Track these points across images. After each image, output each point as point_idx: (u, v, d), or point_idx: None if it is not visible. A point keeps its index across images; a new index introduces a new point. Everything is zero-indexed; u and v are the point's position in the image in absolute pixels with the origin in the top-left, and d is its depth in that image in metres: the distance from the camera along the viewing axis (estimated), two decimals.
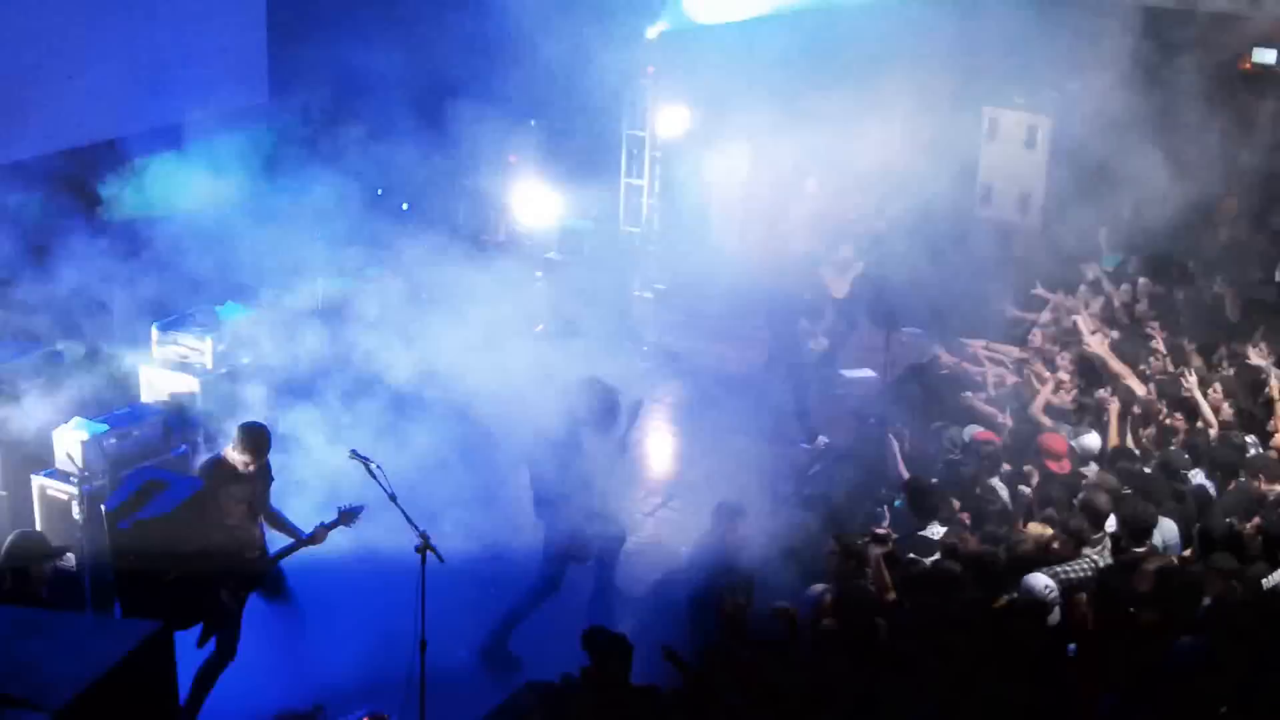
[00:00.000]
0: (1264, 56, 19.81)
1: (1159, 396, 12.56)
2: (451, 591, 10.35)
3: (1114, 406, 12.32)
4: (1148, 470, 11.40)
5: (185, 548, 9.78)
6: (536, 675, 10.63)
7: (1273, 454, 11.62)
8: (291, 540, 10.68)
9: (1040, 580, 9.42)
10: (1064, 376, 13.33)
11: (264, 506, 10.76)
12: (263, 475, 10.73)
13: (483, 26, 14.60)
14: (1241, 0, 18.45)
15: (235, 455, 10.48)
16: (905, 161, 16.42)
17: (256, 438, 10.57)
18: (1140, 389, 12.73)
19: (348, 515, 10.65)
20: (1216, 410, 12.29)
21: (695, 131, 18.38)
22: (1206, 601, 9.17)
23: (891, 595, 9.70)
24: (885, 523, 11.40)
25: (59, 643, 6.66)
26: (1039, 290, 15.77)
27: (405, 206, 15.66)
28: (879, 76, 16.07)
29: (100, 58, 13.82)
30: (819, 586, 9.78)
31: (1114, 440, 12.12)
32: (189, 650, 9.99)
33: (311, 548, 10.65)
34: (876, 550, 10.06)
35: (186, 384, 13.30)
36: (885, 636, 9.13)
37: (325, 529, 10.62)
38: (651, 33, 17.01)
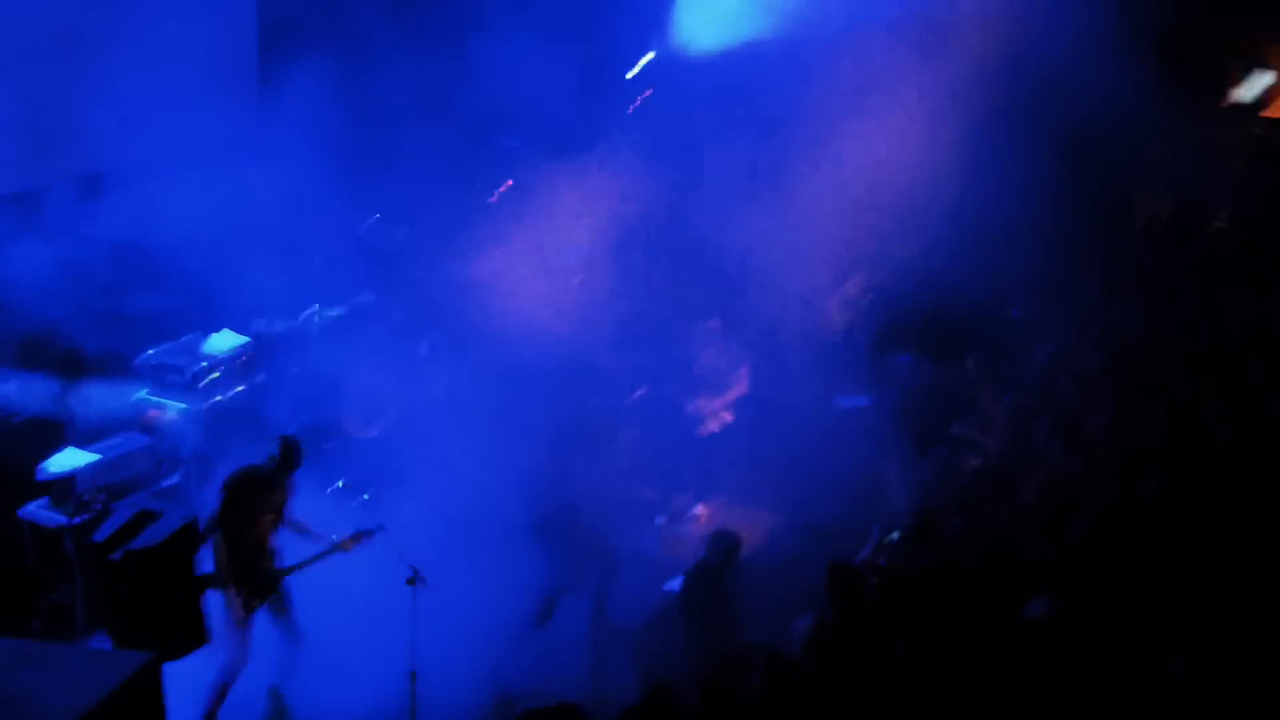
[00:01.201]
0: None
1: None
2: (442, 622, 10.34)
3: None
4: None
5: (176, 578, 9.76)
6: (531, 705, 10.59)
7: None
8: (316, 546, 10.83)
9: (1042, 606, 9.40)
10: None
11: (289, 516, 10.91)
12: (290, 487, 10.89)
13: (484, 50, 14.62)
14: None
15: (268, 467, 10.73)
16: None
17: (292, 452, 10.88)
18: None
19: (363, 535, 10.74)
20: None
21: None
22: None
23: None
24: (874, 542, 11.41)
25: (51, 674, 6.64)
26: None
27: (401, 233, 15.67)
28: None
29: (92, 89, 13.80)
30: (809, 616, 9.73)
31: None
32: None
33: (308, 574, 10.70)
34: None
35: (178, 412, 13.28)
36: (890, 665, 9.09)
37: (351, 541, 10.73)
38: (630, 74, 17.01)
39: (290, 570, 10.74)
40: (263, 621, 10.80)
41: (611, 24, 15.82)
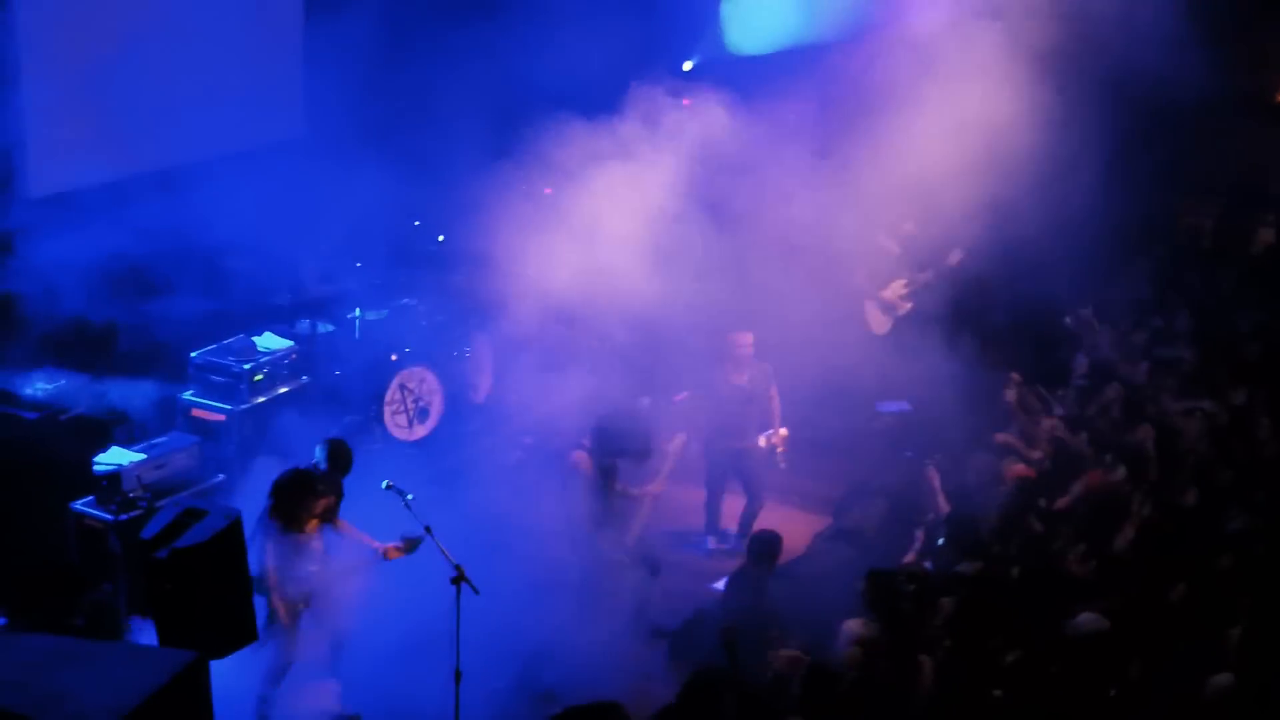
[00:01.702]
0: None
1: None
2: (487, 622, 10.36)
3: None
4: None
5: (222, 578, 9.78)
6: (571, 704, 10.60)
7: None
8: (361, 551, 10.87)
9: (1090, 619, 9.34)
10: None
11: (336, 519, 10.92)
12: (338, 489, 10.94)
13: (527, 54, 14.58)
14: None
15: (317, 471, 10.80)
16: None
17: (342, 455, 10.97)
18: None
19: (410, 543, 10.73)
20: None
21: None
22: None
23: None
24: (917, 548, 11.38)
25: (95, 672, 6.64)
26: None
27: (440, 239, 15.70)
28: None
29: (136, 92, 13.86)
30: (854, 622, 9.71)
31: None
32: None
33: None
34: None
35: (224, 413, 13.36)
36: (929, 676, 9.05)
37: (396, 550, 10.75)
38: (686, 65, 16.97)
39: (340, 573, 10.76)
40: (307, 624, 10.84)
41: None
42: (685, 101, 14.32)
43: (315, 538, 10.67)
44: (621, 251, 13.32)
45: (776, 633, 10.08)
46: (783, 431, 13.97)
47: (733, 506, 14.22)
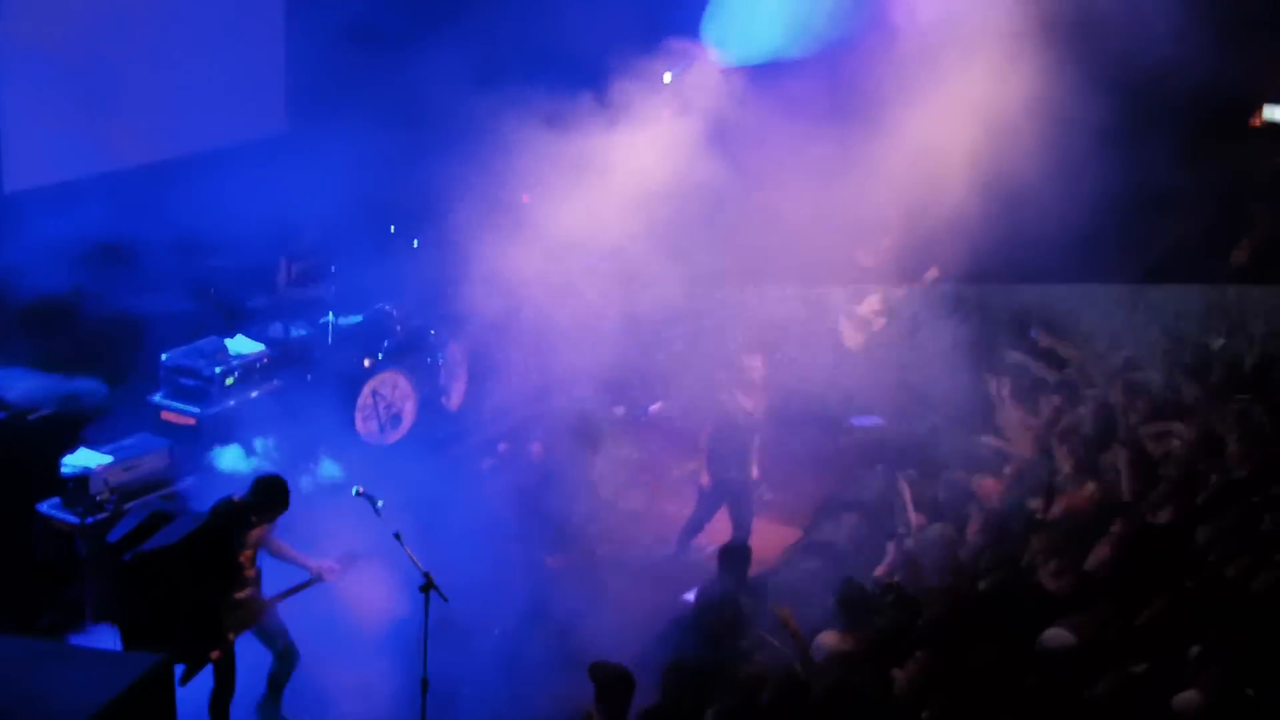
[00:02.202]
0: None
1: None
2: (455, 629, 10.33)
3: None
4: None
5: (188, 581, 9.73)
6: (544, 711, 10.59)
7: None
8: (300, 572, 10.64)
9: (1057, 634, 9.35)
10: None
11: (270, 543, 10.64)
12: (270, 523, 10.59)
13: (509, 58, 14.55)
14: None
15: (248, 506, 10.33)
16: None
17: (275, 494, 10.38)
18: None
19: (347, 561, 10.61)
20: None
21: None
22: None
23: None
24: (889, 561, 11.38)
25: (60, 673, 6.62)
26: None
27: (415, 243, 15.66)
28: None
29: (120, 90, 13.81)
30: (827, 634, 9.69)
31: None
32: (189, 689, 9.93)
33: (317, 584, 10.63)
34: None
35: (194, 416, 13.29)
36: (903, 688, 9.04)
37: (334, 570, 10.59)
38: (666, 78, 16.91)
39: (272, 601, 10.53)
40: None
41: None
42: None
43: (250, 566, 10.48)
44: (593, 258, 13.32)
45: (747, 644, 10.05)
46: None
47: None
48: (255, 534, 10.39)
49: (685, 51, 14.45)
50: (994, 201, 14.45)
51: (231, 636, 10.29)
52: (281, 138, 15.99)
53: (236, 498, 10.37)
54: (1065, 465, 12.57)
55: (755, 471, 13.60)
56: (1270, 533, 10.85)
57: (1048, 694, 8.91)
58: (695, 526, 13.81)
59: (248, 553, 10.36)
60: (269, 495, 10.35)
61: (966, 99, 14.46)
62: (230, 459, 12.68)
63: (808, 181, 14.50)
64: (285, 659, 10.70)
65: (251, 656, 10.57)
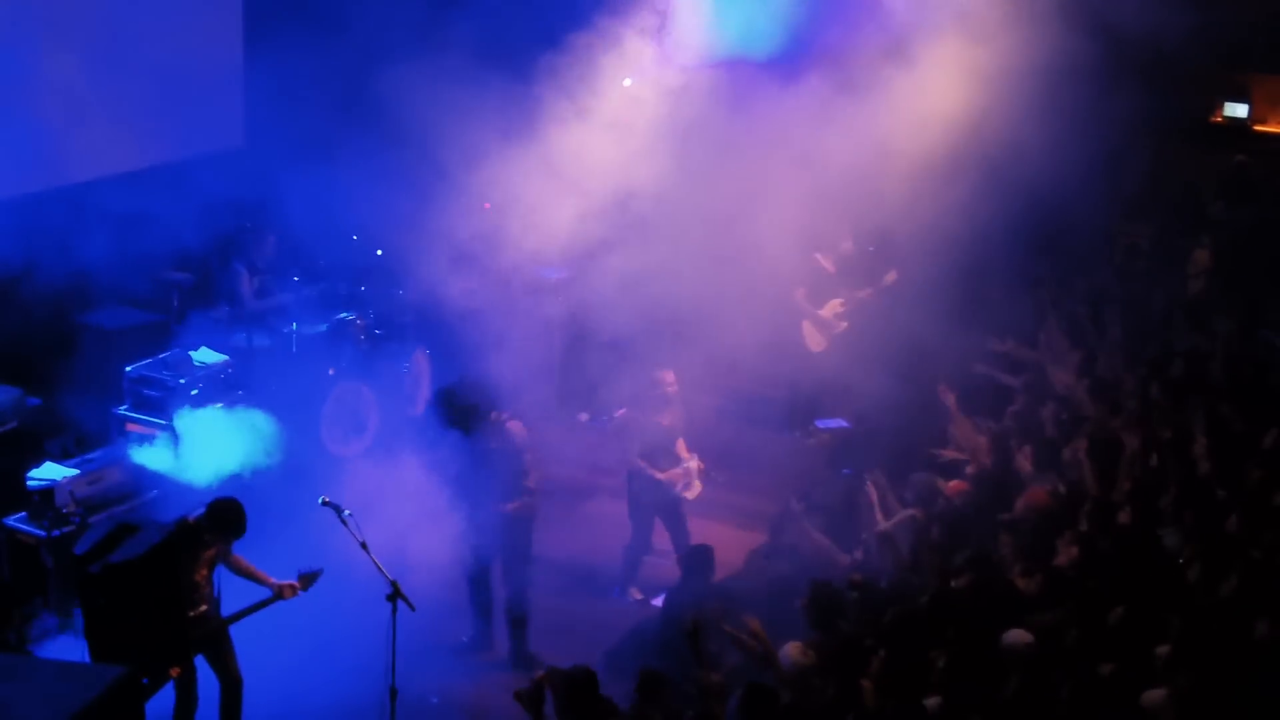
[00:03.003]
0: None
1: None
2: (422, 638, 10.33)
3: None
4: None
5: (155, 593, 9.71)
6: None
7: None
8: (257, 588, 10.61)
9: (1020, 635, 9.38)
10: None
11: (228, 559, 10.61)
12: (225, 544, 10.54)
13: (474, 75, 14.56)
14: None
15: (203, 527, 10.30)
16: None
17: (228, 517, 10.32)
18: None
19: (306, 579, 10.58)
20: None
21: None
22: None
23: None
24: (857, 564, 11.42)
25: (26, 687, 6.61)
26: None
27: (379, 252, 15.64)
28: None
29: (78, 102, 13.77)
30: (792, 645, 9.66)
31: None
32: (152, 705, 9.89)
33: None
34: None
35: (159, 428, 13.26)
36: (870, 698, 9.06)
37: (293, 588, 10.56)
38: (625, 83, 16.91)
39: (230, 620, 10.48)
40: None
41: None
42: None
43: (206, 584, 10.43)
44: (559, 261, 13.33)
45: (716, 648, 10.06)
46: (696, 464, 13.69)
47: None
48: (210, 554, 10.36)
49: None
50: (954, 203, 14.55)
51: (190, 653, 10.25)
52: (241, 150, 15.93)
53: (191, 518, 10.34)
54: (1027, 465, 12.65)
55: (695, 462, 13.58)
56: (1235, 533, 10.95)
57: (1014, 694, 8.97)
58: (637, 553, 13.65)
59: (203, 571, 10.33)
60: (222, 518, 10.31)
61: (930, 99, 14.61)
62: (196, 470, 12.65)
63: (768, 184, 14.59)
64: (231, 689, 10.60)
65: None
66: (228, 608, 10.54)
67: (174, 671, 9.97)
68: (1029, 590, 10.42)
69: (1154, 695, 8.67)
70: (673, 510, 13.45)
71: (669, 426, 13.41)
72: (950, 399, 13.80)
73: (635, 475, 13.37)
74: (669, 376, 13.38)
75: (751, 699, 8.60)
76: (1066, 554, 10.86)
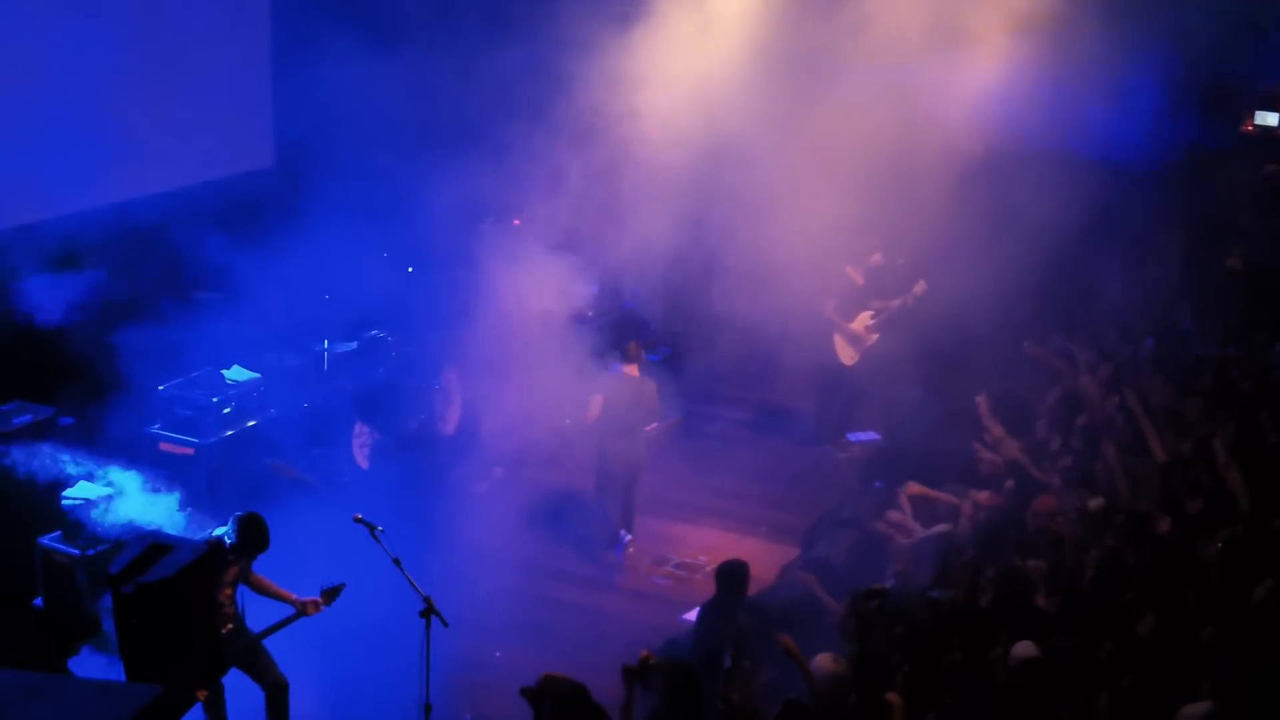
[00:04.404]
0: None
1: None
2: (456, 654, 10.34)
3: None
4: None
5: (188, 612, 9.74)
6: None
7: None
8: (281, 606, 10.65)
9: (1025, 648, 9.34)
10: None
11: (249, 577, 10.64)
12: (248, 563, 10.60)
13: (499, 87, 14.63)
14: None
15: (228, 544, 10.35)
16: None
17: (253, 533, 10.39)
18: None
19: (329, 594, 10.62)
20: None
21: None
22: None
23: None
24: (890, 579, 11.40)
25: (60, 708, 6.62)
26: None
27: (410, 270, 15.69)
28: None
29: (106, 124, 13.85)
30: (824, 657, 9.65)
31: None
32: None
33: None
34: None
35: (192, 446, 13.31)
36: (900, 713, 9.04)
37: (316, 604, 10.60)
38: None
39: (256, 638, 10.52)
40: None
41: None
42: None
43: (229, 603, 10.48)
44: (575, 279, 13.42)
45: (749, 663, 10.05)
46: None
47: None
48: (232, 572, 10.41)
49: None
50: (979, 216, 14.56)
51: (221, 672, 10.29)
52: (272, 169, 16.01)
53: (216, 534, 10.40)
54: (1055, 479, 12.62)
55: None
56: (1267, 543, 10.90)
57: (1022, 707, 8.95)
58: (613, 517, 14.27)
59: (227, 590, 10.37)
60: (246, 534, 10.37)
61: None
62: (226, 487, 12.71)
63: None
64: (276, 695, 10.66)
65: (249, 698, 10.60)
66: (254, 625, 10.57)
67: (201, 694, 10.00)
68: (1049, 610, 10.39)
69: (1194, 709, 8.63)
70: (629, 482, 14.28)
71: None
72: (985, 408, 13.78)
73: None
74: (633, 369, 14.02)
75: (789, 717, 8.62)
76: (1093, 566, 10.84)
